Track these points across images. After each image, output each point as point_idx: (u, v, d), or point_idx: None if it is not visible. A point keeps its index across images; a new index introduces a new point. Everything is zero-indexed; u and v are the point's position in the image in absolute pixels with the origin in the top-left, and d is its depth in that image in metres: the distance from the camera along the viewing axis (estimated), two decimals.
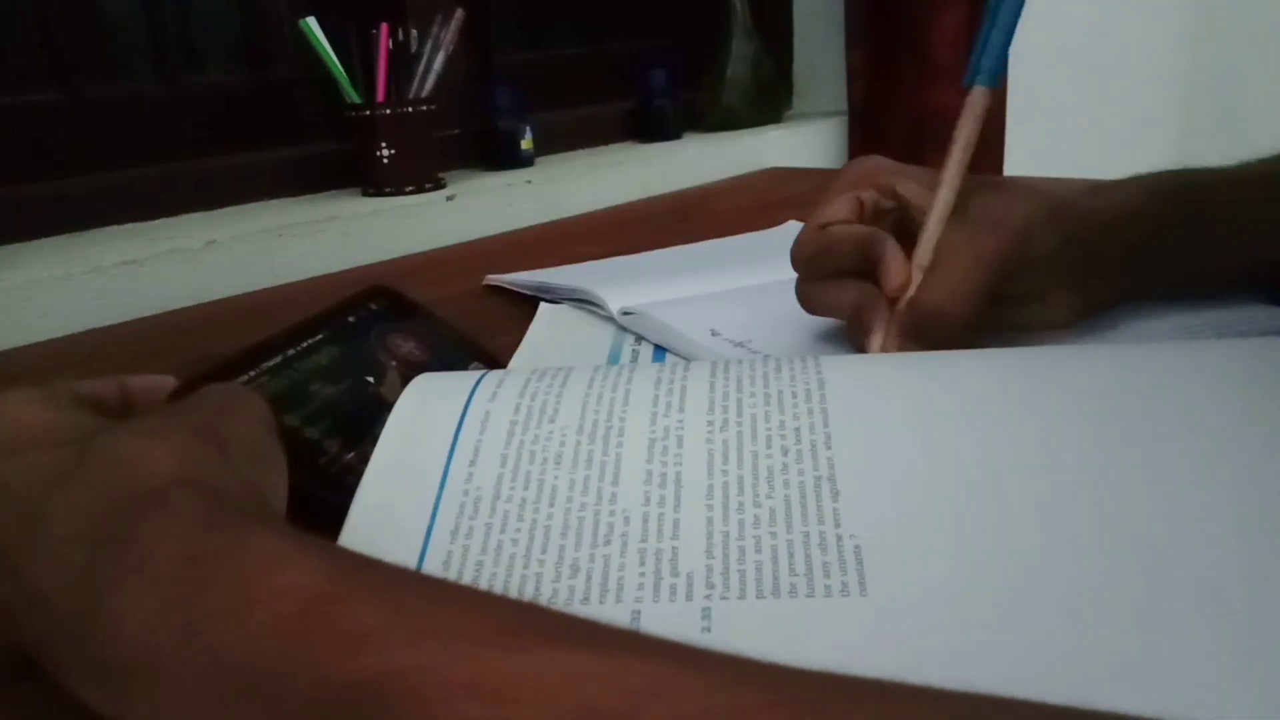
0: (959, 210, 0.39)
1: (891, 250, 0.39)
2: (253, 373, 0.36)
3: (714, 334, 0.47)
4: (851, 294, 0.41)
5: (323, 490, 0.32)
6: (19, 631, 0.23)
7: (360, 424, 0.36)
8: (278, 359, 0.38)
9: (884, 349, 0.39)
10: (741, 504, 0.27)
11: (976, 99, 0.40)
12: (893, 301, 0.38)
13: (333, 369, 0.39)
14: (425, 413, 0.32)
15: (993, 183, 0.41)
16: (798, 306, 0.48)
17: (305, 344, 0.39)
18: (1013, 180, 0.42)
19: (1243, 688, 0.21)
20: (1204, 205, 0.43)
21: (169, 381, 0.34)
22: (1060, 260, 0.40)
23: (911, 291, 0.38)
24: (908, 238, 0.40)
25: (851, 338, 0.42)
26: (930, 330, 0.38)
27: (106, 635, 0.20)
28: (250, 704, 0.18)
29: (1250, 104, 1.76)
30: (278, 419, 0.31)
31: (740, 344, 0.45)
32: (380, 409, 0.33)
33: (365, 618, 0.18)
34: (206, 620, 0.19)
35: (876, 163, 0.44)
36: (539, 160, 1.01)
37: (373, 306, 0.44)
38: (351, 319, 0.42)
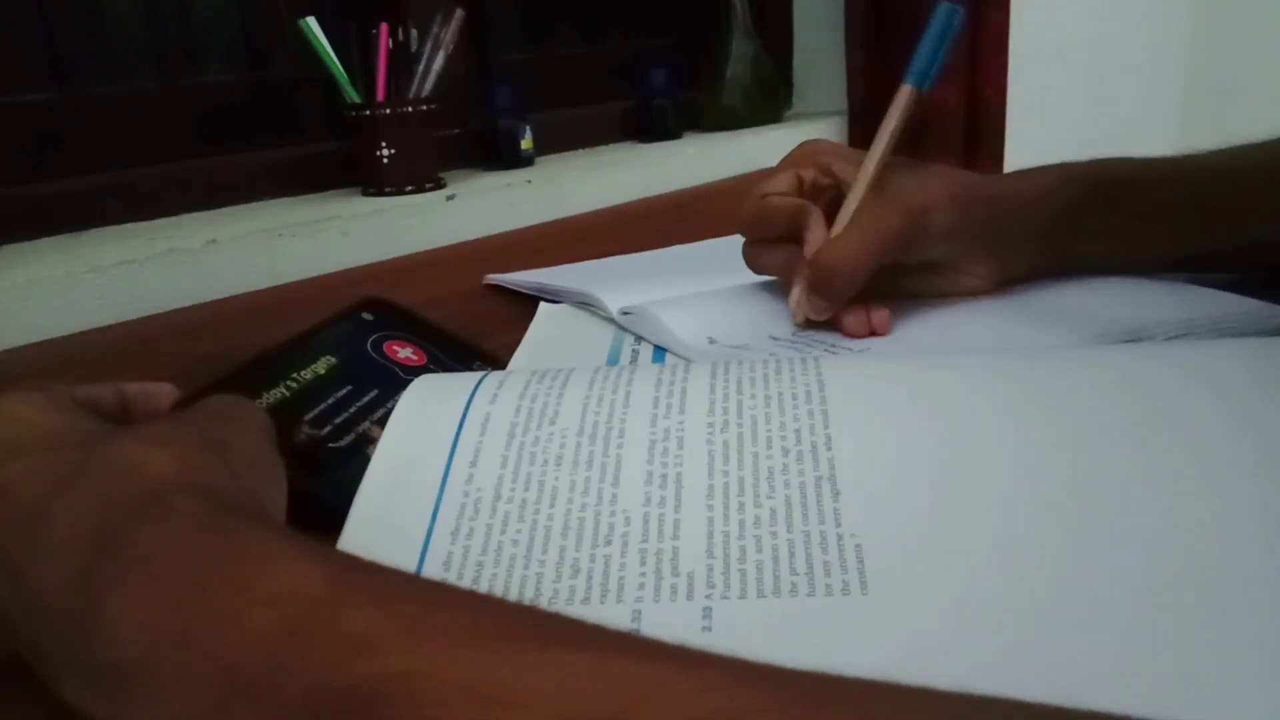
0: (878, 187, 0.44)
1: (815, 219, 0.45)
2: (253, 384, 0.37)
3: (711, 341, 0.47)
4: (784, 256, 0.47)
5: (326, 491, 0.32)
6: (12, 636, 0.23)
7: (363, 427, 0.37)
8: (277, 371, 0.38)
9: (797, 307, 0.46)
10: (742, 504, 0.27)
11: (902, 95, 0.45)
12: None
13: (332, 378, 0.39)
14: (425, 414, 0.32)
15: (912, 166, 0.46)
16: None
17: (303, 356, 0.40)
18: (931, 165, 0.47)
19: (1243, 688, 0.21)
20: (1118, 195, 0.48)
21: (165, 388, 0.34)
22: (964, 235, 0.45)
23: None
24: (837, 211, 0.45)
25: (785, 292, 0.48)
26: (824, 284, 0.43)
27: (104, 637, 0.20)
28: (246, 707, 0.18)
29: (1250, 104, 1.76)
30: (280, 427, 0.31)
31: (739, 346, 0.45)
32: (382, 414, 0.33)
33: (362, 621, 0.18)
34: (204, 622, 0.19)
35: (820, 144, 0.49)
36: (539, 160, 1.01)
37: (366, 317, 0.44)
38: (347, 330, 0.42)
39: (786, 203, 0.46)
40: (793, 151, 0.49)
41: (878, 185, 0.44)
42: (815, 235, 0.44)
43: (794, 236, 0.45)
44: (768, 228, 0.47)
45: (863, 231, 0.43)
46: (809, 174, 0.47)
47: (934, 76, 0.45)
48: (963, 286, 0.47)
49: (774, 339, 0.46)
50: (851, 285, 0.43)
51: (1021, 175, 0.49)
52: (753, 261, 0.49)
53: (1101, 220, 0.47)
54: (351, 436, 0.37)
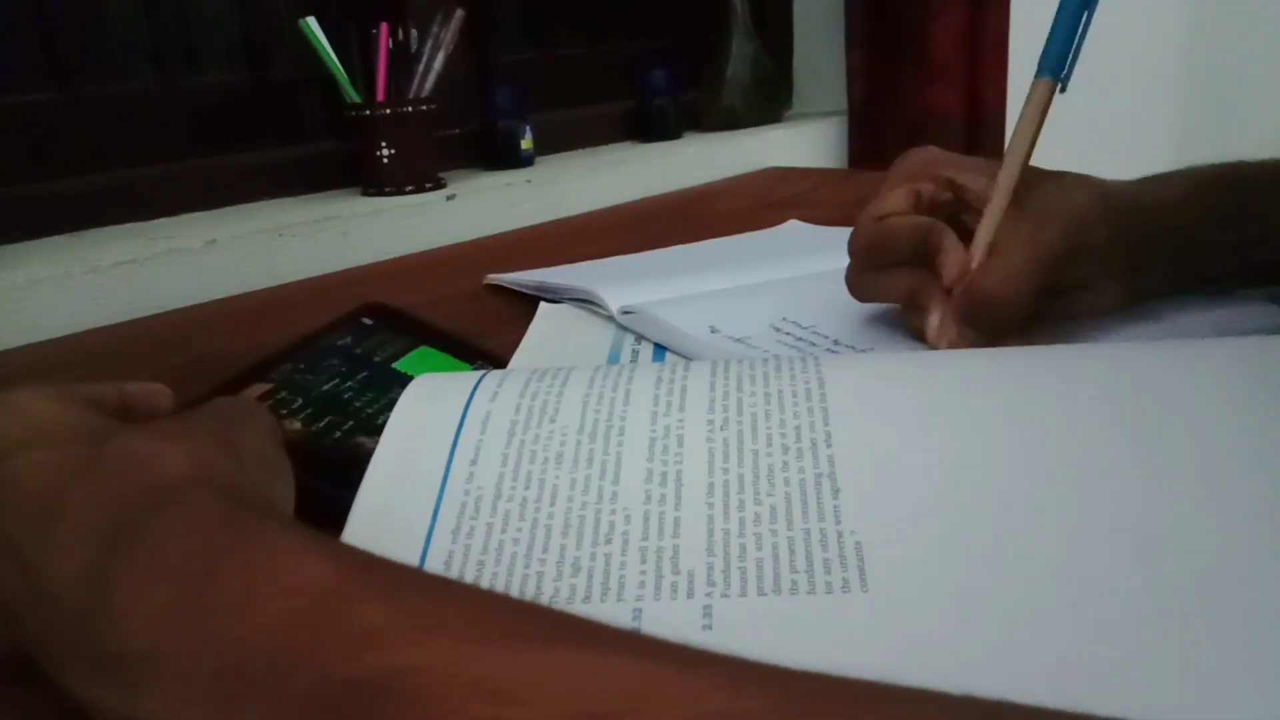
0: (1016, 201, 0.39)
1: (950, 240, 0.40)
2: (257, 385, 0.37)
3: (713, 330, 0.47)
4: (907, 281, 0.42)
5: (331, 488, 0.32)
6: (20, 631, 0.23)
7: (367, 427, 0.37)
8: (279, 375, 0.39)
9: (941, 333, 0.40)
10: (742, 502, 0.27)
11: (1037, 91, 0.40)
12: (948, 290, 0.40)
13: (334, 380, 0.39)
14: (426, 413, 0.32)
15: (1048, 175, 0.41)
16: (797, 304, 0.48)
17: (305, 359, 0.40)
18: (1066, 173, 0.42)
19: (1243, 688, 0.21)
20: (1253, 196, 0.43)
21: (163, 389, 0.34)
22: (1112, 250, 0.40)
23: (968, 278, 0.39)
24: (961, 229, 0.41)
25: (909, 322, 0.43)
26: (984, 316, 0.38)
27: (114, 628, 0.20)
28: (255, 699, 0.18)
29: (1250, 104, 1.76)
30: (285, 427, 0.31)
31: (739, 340, 0.45)
32: (384, 414, 0.34)
33: (371, 616, 0.18)
34: (214, 614, 0.19)
35: (933, 154, 0.44)
36: (539, 160, 1.01)
37: (366, 321, 0.44)
38: (347, 334, 0.43)
39: (911, 223, 0.41)
40: (902, 162, 0.44)
41: (1016, 199, 0.39)
42: (953, 258, 0.39)
43: (917, 260, 0.41)
44: (890, 253, 0.42)
45: (1021, 253, 0.38)
46: (927, 188, 0.42)
47: (1071, 65, 0.39)
48: (1091, 307, 0.42)
49: (775, 329, 0.46)
50: (1017, 315, 0.38)
51: (1160, 182, 0.43)
52: (866, 289, 0.44)
53: (1235, 225, 0.42)
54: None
